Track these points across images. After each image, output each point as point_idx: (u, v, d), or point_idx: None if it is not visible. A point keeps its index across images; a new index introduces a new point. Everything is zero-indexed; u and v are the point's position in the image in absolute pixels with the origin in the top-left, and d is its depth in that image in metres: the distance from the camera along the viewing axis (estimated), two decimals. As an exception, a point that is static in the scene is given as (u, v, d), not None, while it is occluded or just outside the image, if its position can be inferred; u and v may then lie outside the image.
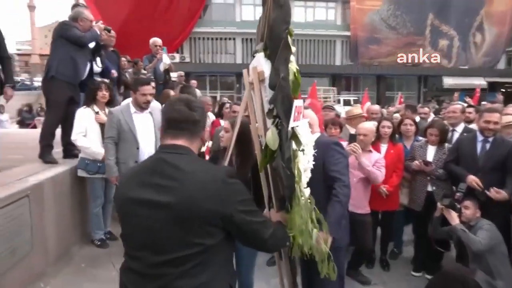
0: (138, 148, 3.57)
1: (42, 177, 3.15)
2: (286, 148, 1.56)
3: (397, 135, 4.40)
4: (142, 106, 3.62)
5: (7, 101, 3.80)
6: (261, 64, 1.75)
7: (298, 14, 27.09)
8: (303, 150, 1.65)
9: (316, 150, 2.25)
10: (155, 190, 1.31)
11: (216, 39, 26.96)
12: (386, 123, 3.92)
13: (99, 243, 3.87)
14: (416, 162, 3.73)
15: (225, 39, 27.10)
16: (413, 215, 3.94)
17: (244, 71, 1.86)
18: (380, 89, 28.19)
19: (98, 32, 4.09)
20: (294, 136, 1.59)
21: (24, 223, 2.78)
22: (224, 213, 1.32)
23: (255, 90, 1.76)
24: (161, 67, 6.03)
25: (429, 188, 3.72)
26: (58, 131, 4.11)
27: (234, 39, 26.94)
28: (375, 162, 3.50)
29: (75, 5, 4.97)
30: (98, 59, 4.58)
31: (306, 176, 1.70)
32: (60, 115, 3.88)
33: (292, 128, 1.59)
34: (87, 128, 3.72)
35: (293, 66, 1.59)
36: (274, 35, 1.61)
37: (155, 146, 3.62)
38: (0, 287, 2.53)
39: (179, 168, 1.33)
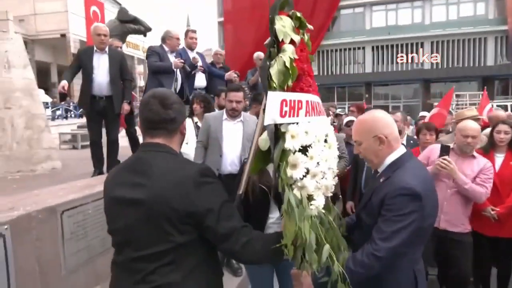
0: (221, 156, 3.64)
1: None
2: (273, 148, 1.40)
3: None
4: (229, 113, 3.74)
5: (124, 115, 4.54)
6: None
7: (439, 13, 24.38)
8: (303, 151, 1.43)
9: (382, 180, 1.64)
10: (131, 187, 1.32)
11: (345, 49, 26.46)
12: (502, 127, 3.11)
13: None
14: None
15: (354, 49, 26.34)
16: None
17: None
18: (551, 91, 22.81)
19: (173, 67, 4.61)
20: (281, 134, 1.40)
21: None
22: (194, 212, 1.27)
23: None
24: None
25: None
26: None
27: (363, 48, 25.97)
28: (478, 172, 2.80)
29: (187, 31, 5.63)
30: (201, 76, 5.14)
31: (317, 181, 1.47)
32: None
33: (277, 125, 1.40)
34: (188, 136, 4.09)
35: (286, 55, 1.42)
36: (271, 19, 1.49)
37: (240, 156, 3.68)
38: (94, 270, 3.00)
39: (153, 165, 1.33)
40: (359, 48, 26.23)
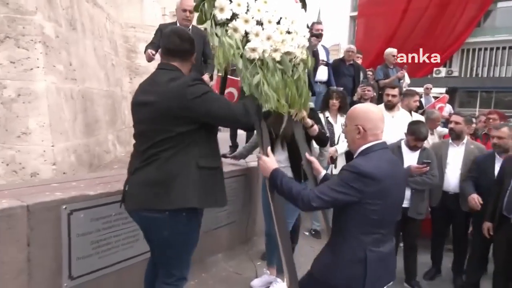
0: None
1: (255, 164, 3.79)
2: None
3: None
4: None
5: None
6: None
7: None
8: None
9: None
10: (146, 94, 1.88)
11: (498, 48, 22.70)
12: None
13: (313, 233, 4.38)
14: None
15: (510, 48, 22.42)
16: None
17: None
18: None
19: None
20: None
21: (238, 196, 3.56)
22: (186, 107, 1.77)
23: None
24: (404, 86, 6.01)
25: None
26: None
27: (521, 47, 21.92)
28: None
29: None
30: (323, 69, 5.26)
31: (251, 28, 1.89)
32: None
33: None
34: None
35: None
36: None
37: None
38: (214, 237, 3.38)
39: (163, 78, 1.86)
40: (515, 48, 22.28)
